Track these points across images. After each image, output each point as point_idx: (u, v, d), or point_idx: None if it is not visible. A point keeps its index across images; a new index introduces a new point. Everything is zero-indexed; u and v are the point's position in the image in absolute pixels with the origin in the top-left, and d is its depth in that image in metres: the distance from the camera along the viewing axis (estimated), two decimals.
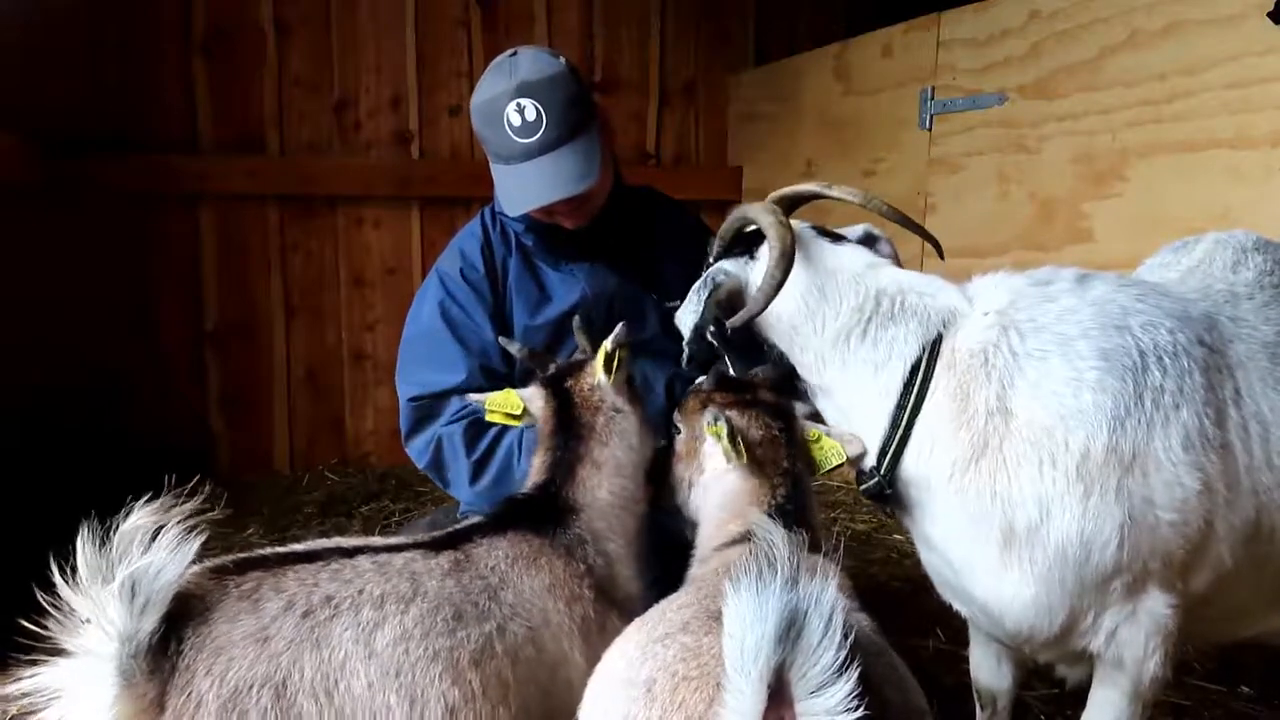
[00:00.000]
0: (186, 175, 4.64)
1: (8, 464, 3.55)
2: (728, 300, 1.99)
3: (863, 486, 1.93)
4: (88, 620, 1.32)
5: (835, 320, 1.89)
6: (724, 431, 1.83)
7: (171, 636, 1.38)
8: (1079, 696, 1.97)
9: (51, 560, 1.33)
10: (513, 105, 2.44)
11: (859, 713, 1.01)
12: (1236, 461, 1.77)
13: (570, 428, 1.97)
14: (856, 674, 1.02)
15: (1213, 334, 1.85)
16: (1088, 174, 3.43)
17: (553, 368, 2.08)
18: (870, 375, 1.87)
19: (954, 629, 2.70)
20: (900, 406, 1.83)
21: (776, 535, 1.33)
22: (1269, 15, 2.75)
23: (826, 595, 1.06)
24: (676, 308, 2.92)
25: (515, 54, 2.55)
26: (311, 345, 5.03)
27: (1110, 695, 1.85)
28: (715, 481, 1.97)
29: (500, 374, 2.63)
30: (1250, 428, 1.79)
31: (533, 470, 2.00)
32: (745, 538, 1.82)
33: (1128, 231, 3.27)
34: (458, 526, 1.85)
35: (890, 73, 4.39)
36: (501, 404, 2.07)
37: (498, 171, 2.59)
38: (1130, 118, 3.25)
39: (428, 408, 2.64)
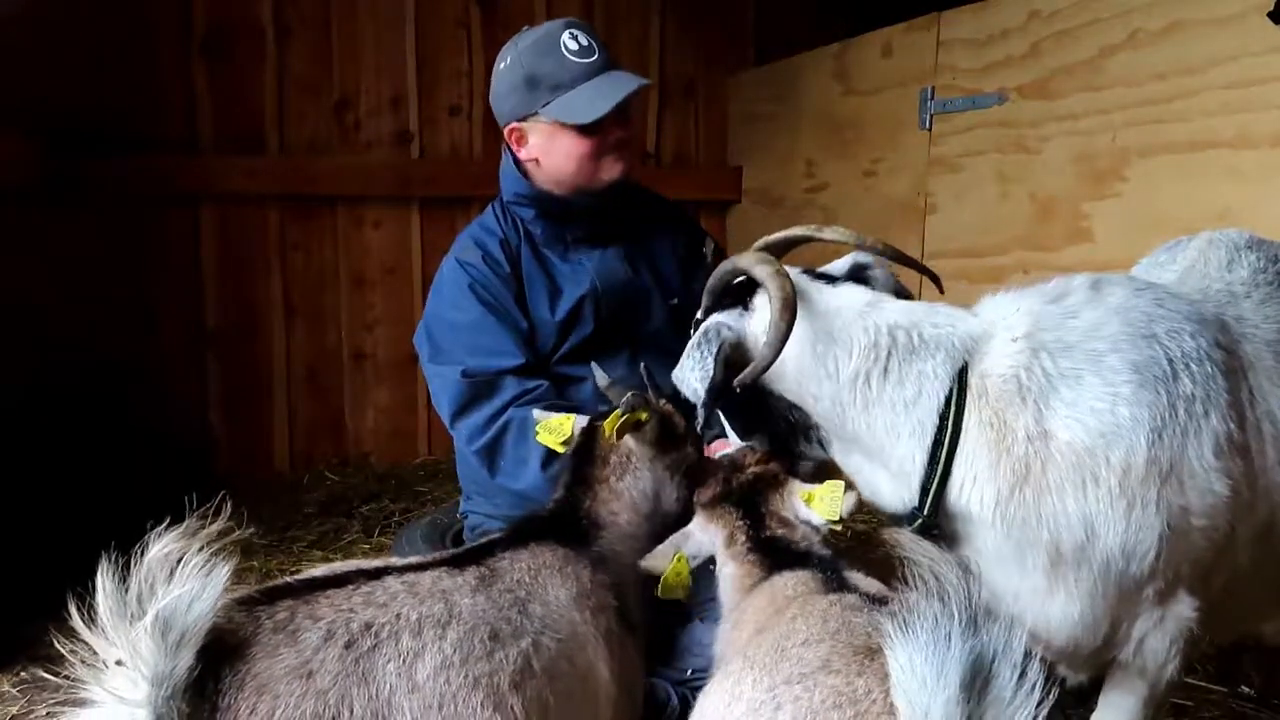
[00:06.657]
0: (186, 175, 4.63)
1: (7, 464, 3.55)
2: (732, 356, 1.89)
3: (908, 529, 1.85)
4: (119, 662, 1.22)
5: (850, 362, 1.80)
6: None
7: (208, 675, 1.28)
8: (1079, 697, 1.97)
9: (68, 599, 1.23)
10: (567, 33, 2.60)
11: None
12: (1254, 463, 1.76)
13: (589, 461, 2.03)
14: None
15: (1225, 335, 1.83)
16: (1088, 174, 3.42)
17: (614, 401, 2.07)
18: (901, 414, 1.78)
19: None
20: (938, 442, 1.76)
21: (940, 561, 1.05)
22: (1269, 15, 2.74)
23: (1016, 638, 0.89)
24: (678, 304, 2.93)
25: (526, 28, 2.70)
26: (311, 345, 5.02)
27: (1125, 700, 1.84)
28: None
29: (541, 355, 2.72)
30: (1264, 428, 1.79)
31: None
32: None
33: (1128, 231, 3.27)
34: (477, 542, 1.83)
35: (890, 73, 4.38)
36: (556, 430, 2.11)
37: (558, 103, 2.60)
38: (1130, 118, 3.24)
39: (484, 385, 2.61)
